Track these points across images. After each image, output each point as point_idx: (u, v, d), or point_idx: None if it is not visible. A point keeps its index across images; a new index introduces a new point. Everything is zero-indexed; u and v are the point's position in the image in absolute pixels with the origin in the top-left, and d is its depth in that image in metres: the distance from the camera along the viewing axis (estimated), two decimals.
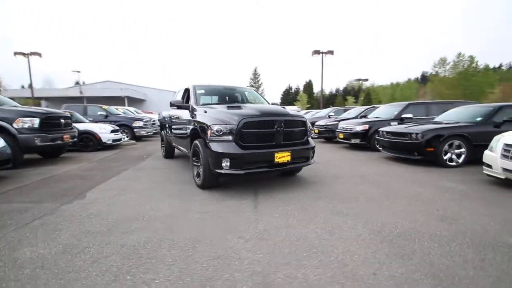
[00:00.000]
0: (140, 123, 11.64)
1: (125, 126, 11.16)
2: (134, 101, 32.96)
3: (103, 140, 8.56)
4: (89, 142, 8.37)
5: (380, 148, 7.00)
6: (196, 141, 3.96)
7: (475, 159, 5.37)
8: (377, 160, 6.41)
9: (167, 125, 6.32)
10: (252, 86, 56.88)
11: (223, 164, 3.45)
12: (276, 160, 3.62)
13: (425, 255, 2.07)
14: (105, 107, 11.83)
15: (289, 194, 3.71)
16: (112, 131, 8.94)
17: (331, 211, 3.06)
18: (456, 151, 5.36)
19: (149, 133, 12.39)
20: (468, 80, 44.74)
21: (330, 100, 66.33)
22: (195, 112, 4.38)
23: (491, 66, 51.62)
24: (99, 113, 11.10)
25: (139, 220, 2.82)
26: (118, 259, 2.05)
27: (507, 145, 3.75)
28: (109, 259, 2.06)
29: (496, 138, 4.07)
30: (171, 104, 4.75)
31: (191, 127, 4.38)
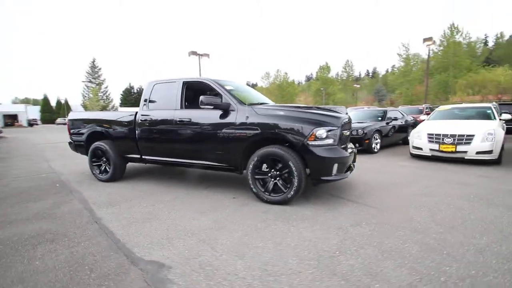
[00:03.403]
0: None
1: None
2: None
3: None
4: None
5: None
6: (273, 148, 3.27)
7: (383, 146, 7.93)
8: None
9: (140, 133, 4.33)
10: (90, 81, 45.05)
11: (334, 170, 3.18)
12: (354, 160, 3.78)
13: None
14: None
15: (359, 190, 3.97)
16: None
17: (417, 195, 3.71)
18: (376, 141, 7.64)
19: None
20: (283, 90, 59.57)
21: None
22: (247, 114, 3.51)
23: (296, 81, 71.61)
24: None
25: (328, 257, 2.15)
26: None
27: (429, 134, 6.02)
28: None
29: (417, 129, 6.37)
30: (202, 103, 3.46)
31: (246, 132, 3.47)
